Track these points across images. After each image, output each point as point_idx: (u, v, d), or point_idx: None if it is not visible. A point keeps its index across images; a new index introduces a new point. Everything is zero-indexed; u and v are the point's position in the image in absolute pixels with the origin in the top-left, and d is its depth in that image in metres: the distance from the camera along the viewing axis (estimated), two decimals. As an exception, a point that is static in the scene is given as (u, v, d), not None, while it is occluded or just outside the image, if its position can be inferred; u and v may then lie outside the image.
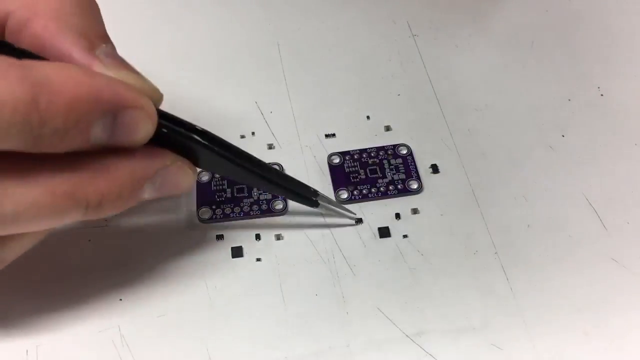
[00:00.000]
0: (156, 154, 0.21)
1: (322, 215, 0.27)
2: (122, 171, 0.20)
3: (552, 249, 0.26)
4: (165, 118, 0.21)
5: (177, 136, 0.21)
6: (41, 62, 0.17)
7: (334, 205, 0.26)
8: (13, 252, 0.21)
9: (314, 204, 0.25)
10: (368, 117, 0.30)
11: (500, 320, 0.24)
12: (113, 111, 0.18)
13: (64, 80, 0.17)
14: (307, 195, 0.25)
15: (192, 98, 0.31)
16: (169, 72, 0.32)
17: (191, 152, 0.21)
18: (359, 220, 0.27)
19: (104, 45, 0.20)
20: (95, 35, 0.20)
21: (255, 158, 0.23)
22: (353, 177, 0.28)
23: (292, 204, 0.27)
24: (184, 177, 0.22)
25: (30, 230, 0.19)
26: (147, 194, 0.21)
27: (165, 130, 0.20)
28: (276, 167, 0.28)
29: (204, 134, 0.21)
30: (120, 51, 0.34)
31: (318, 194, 0.25)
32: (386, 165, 0.28)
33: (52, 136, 0.17)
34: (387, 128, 0.30)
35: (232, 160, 0.22)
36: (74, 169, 0.19)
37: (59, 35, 0.19)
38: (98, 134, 0.18)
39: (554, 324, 0.24)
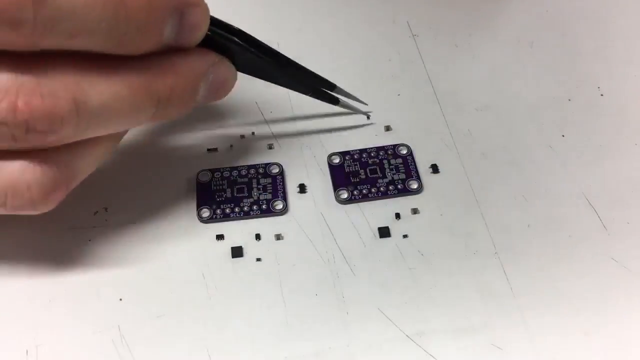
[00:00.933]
0: (207, 52, 0.23)
1: (322, 214, 0.27)
2: (184, 67, 0.22)
3: (552, 249, 0.26)
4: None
5: (219, 38, 0.23)
6: None
7: (349, 98, 0.28)
8: (88, 164, 0.22)
9: (335, 101, 0.28)
10: (368, 117, 0.30)
11: (500, 320, 0.24)
12: (181, 9, 0.20)
13: None
14: (327, 89, 0.28)
15: (192, 98, 0.31)
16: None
17: (229, 53, 0.24)
18: (368, 116, 0.30)
19: None
20: None
21: (283, 56, 0.26)
22: (353, 177, 0.28)
23: (292, 204, 0.27)
24: (229, 74, 0.24)
25: (110, 130, 0.21)
26: (201, 93, 0.23)
27: (209, 33, 0.22)
28: (276, 166, 0.28)
29: (240, 34, 0.24)
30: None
31: (335, 87, 0.28)
32: (386, 165, 0.28)
33: (134, 34, 0.19)
34: (387, 128, 0.30)
35: (267, 60, 0.25)
36: (145, 66, 0.20)
37: None
38: (168, 32, 0.20)
39: (554, 324, 0.24)
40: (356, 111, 0.29)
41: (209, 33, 0.22)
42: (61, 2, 0.17)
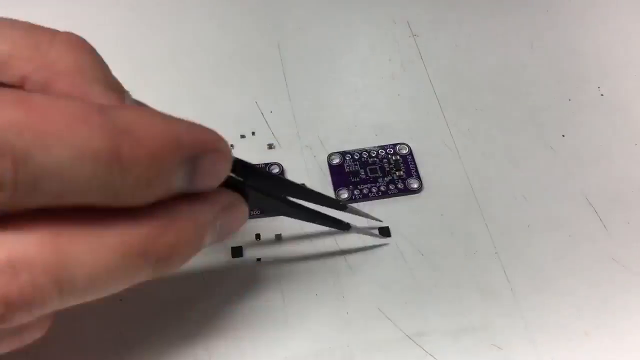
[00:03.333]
0: (216, 197, 0.19)
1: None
2: (190, 220, 0.18)
3: (552, 249, 0.26)
4: None
5: (234, 180, 0.20)
6: (120, 105, 0.16)
7: (361, 215, 0.25)
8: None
9: (346, 227, 0.25)
10: (368, 117, 0.30)
11: (500, 320, 0.24)
12: (194, 157, 0.17)
13: (146, 126, 0.16)
14: (340, 222, 0.24)
15: (192, 98, 0.31)
16: (169, 71, 0.32)
17: (243, 192, 0.20)
18: (385, 232, 0.26)
19: (128, 91, 0.19)
20: (117, 85, 0.19)
21: (291, 183, 0.23)
22: (353, 177, 0.28)
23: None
24: (241, 216, 0.20)
25: (94, 298, 0.17)
26: (209, 239, 0.19)
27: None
28: (276, 165, 0.28)
29: (256, 174, 0.21)
30: (121, 51, 0.34)
31: (347, 207, 0.24)
32: (386, 165, 0.28)
33: (134, 188, 0.16)
34: (388, 128, 0.30)
35: (284, 200, 0.22)
36: (142, 223, 0.17)
37: (90, 88, 0.18)
38: (180, 182, 0.17)
39: (554, 324, 0.24)
40: (371, 235, 0.26)
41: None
42: (44, 160, 0.14)
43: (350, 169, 0.28)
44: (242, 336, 0.24)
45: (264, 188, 0.21)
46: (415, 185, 0.28)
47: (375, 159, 0.29)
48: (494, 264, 0.25)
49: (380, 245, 0.26)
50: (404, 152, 0.29)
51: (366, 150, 0.29)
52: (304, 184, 0.24)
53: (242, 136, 0.30)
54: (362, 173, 0.28)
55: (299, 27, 0.35)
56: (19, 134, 0.14)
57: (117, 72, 0.33)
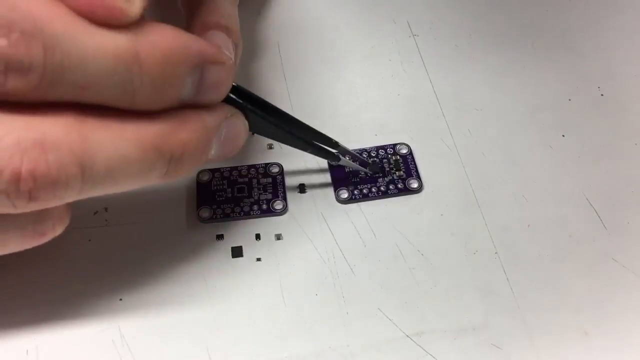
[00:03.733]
0: (219, 106, 0.21)
1: (322, 214, 0.27)
2: (198, 122, 0.20)
3: (552, 249, 0.26)
4: None
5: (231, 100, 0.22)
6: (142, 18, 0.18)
7: (351, 157, 0.27)
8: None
9: (336, 159, 0.26)
10: (368, 117, 0.30)
11: (500, 320, 0.24)
12: (201, 66, 0.19)
13: (160, 34, 0.18)
14: (330, 149, 0.26)
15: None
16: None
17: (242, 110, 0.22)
18: (376, 171, 0.28)
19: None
20: None
21: (288, 115, 0.24)
22: (353, 177, 0.28)
23: (292, 205, 0.27)
24: (242, 129, 0.22)
25: (114, 191, 0.19)
26: (214, 149, 0.21)
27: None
28: (276, 165, 0.28)
29: (251, 99, 0.22)
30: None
31: (339, 146, 0.26)
32: (386, 165, 0.28)
33: (149, 89, 0.17)
34: (387, 128, 0.30)
35: (272, 122, 0.24)
36: (157, 122, 0.19)
37: None
38: (188, 89, 0.19)
39: (554, 324, 0.24)
40: (358, 168, 0.28)
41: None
42: (71, 50, 0.16)
43: (350, 169, 0.28)
44: (242, 336, 0.24)
45: (263, 114, 0.23)
46: (415, 185, 0.28)
47: (376, 159, 0.29)
48: (494, 264, 0.25)
49: (366, 172, 0.28)
50: (404, 152, 0.29)
51: (366, 150, 0.29)
52: (301, 122, 0.25)
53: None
54: (362, 173, 0.28)
55: (299, 27, 0.35)
56: (51, 22, 0.16)
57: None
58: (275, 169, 0.28)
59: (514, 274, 0.25)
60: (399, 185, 0.28)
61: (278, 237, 0.26)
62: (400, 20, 0.35)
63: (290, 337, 0.24)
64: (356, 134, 0.30)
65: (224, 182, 0.28)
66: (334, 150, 0.26)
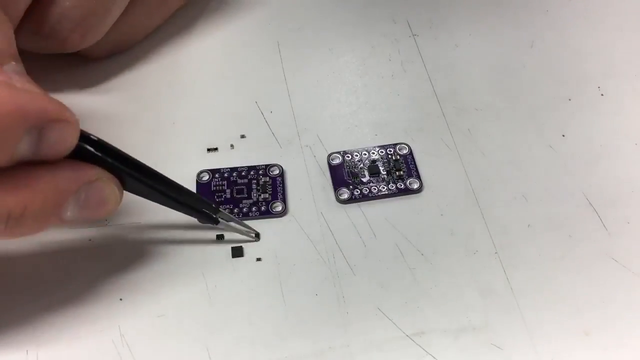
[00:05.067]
0: (81, 168, 0.20)
1: (322, 214, 0.27)
2: (45, 183, 0.19)
3: (552, 249, 0.26)
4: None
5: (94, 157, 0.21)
6: None
7: (234, 222, 0.26)
8: None
9: (214, 221, 0.25)
10: (368, 117, 0.30)
11: (500, 320, 0.24)
12: (39, 125, 0.18)
13: None
14: (208, 212, 0.25)
15: (192, 98, 0.31)
16: (169, 72, 0.32)
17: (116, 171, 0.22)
18: (257, 235, 0.26)
19: (13, 62, 0.20)
20: (5, 54, 0.20)
21: (159, 174, 0.23)
22: (353, 177, 0.28)
23: (292, 206, 0.27)
24: (109, 194, 0.21)
25: None
26: (70, 210, 0.20)
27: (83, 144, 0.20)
28: (277, 167, 0.28)
29: (97, 143, 0.21)
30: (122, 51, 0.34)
31: (219, 211, 0.25)
32: (386, 165, 0.28)
33: None
34: (388, 128, 0.30)
35: (135, 176, 0.22)
36: None
37: None
38: (23, 149, 0.18)
39: (554, 324, 0.24)
40: (239, 232, 0.26)
41: (89, 148, 0.20)
42: None
43: (351, 169, 0.28)
44: (242, 336, 0.24)
45: (141, 176, 0.22)
46: (416, 186, 0.28)
47: (376, 159, 0.29)
48: (494, 264, 0.25)
49: (250, 240, 0.26)
50: (404, 152, 0.29)
51: (366, 150, 0.29)
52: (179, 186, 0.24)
53: (242, 136, 0.30)
54: (363, 173, 0.28)
55: (299, 27, 0.35)
56: None
57: (117, 71, 0.33)
58: (276, 171, 0.28)
59: (514, 274, 0.25)
60: (399, 185, 0.28)
61: (278, 237, 0.26)
62: (400, 20, 0.35)
63: (290, 337, 0.24)
64: (356, 134, 0.30)
65: (224, 182, 0.28)
66: (213, 215, 0.25)
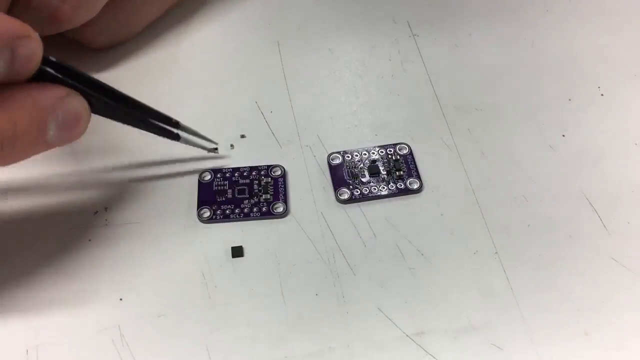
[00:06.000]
0: (51, 87, 0.21)
1: (322, 214, 0.27)
2: (26, 100, 0.20)
3: (552, 249, 0.26)
4: None
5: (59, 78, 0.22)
6: None
7: (194, 136, 0.27)
8: None
9: (176, 137, 0.26)
10: (368, 117, 0.30)
11: (500, 320, 0.24)
12: (10, 44, 0.19)
13: None
14: (169, 126, 0.26)
15: (192, 98, 0.31)
16: (169, 72, 0.32)
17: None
18: (215, 150, 0.28)
19: None
20: None
21: (120, 93, 0.24)
22: (353, 177, 0.28)
23: (293, 207, 0.27)
24: (81, 108, 0.22)
25: None
26: (52, 130, 0.21)
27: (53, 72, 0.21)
28: (279, 168, 0.28)
29: (58, 65, 0.22)
30: (120, 51, 0.34)
31: (180, 125, 0.26)
32: (386, 165, 0.28)
33: None
34: (388, 128, 0.30)
35: (106, 100, 0.23)
36: None
37: None
38: (0, 68, 0.19)
39: (554, 324, 0.24)
40: (200, 147, 0.28)
41: (52, 72, 0.21)
42: None
43: (351, 169, 0.28)
44: (242, 336, 0.24)
45: (104, 97, 0.23)
46: (415, 186, 0.28)
47: (376, 159, 0.29)
48: (494, 264, 0.25)
49: (210, 154, 0.28)
50: (404, 152, 0.29)
51: (366, 150, 0.29)
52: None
53: (242, 136, 0.30)
54: (363, 173, 0.28)
55: (299, 27, 0.35)
56: None
57: (117, 71, 0.33)
58: (277, 172, 0.28)
59: (514, 274, 0.25)
60: (399, 185, 0.28)
61: (278, 237, 0.26)
62: (400, 20, 0.35)
63: (290, 337, 0.24)
64: (356, 134, 0.30)
65: (225, 183, 0.28)
66: (174, 130, 0.26)
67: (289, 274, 0.25)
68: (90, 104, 0.23)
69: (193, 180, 0.28)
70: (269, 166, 0.28)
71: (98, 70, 0.32)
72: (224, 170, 0.28)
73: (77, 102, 0.22)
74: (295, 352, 0.23)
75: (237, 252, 0.26)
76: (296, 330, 0.24)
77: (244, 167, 0.28)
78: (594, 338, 0.23)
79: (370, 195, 0.27)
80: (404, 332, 0.24)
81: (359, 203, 0.27)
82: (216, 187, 0.28)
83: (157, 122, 0.26)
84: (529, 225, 0.27)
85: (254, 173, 0.28)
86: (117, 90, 0.24)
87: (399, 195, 0.28)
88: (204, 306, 0.24)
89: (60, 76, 0.21)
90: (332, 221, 0.27)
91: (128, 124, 0.25)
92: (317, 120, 0.30)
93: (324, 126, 0.30)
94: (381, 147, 0.29)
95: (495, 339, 0.23)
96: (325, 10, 0.36)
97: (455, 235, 0.26)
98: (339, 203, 0.27)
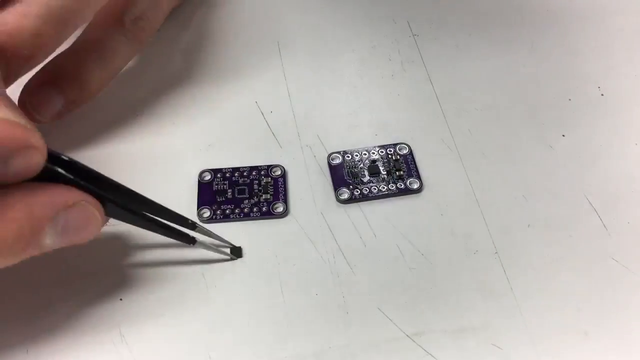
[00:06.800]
0: (58, 192, 0.19)
1: (322, 214, 0.27)
2: (18, 211, 0.18)
3: (552, 249, 0.26)
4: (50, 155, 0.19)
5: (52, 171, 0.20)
6: None
7: (212, 237, 0.25)
8: None
9: (191, 241, 0.24)
10: (368, 117, 0.30)
11: (500, 320, 0.24)
12: (5, 156, 0.17)
13: None
14: (185, 232, 0.24)
15: (192, 98, 0.31)
16: (168, 72, 0.32)
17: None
18: (234, 252, 0.25)
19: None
20: None
21: (139, 195, 0.22)
22: (354, 177, 0.28)
23: (293, 207, 0.27)
24: (89, 220, 0.20)
25: None
26: (49, 238, 0.19)
27: (51, 166, 0.19)
28: (279, 168, 0.28)
29: (70, 164, 0.20)
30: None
31: (196, 226, 0.24)
32: (386, 165, 0.28)
33: None
34: (388, 128, 0.30)
35: (110, 198, 0.21)
36: None
37: None
38: None
39: (554, 324, 0.24)
40: (218, 251, 0.25)
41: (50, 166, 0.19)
42: None
43: (351, 169, 0.28)
44: (242, 336, 0.24)
45: (118, 199, 0.21)
46: (416, 186, 0.28)
47: (376, 159, 0.29)
48: (494, 264, 0.25)
49: (227, 260, 0.25)
50: (404, 152, 0.29)
51: (366, 150, 0.29)
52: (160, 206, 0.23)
53: (242, 136, 0.30)
54: (363, 173, 0.28)
55: (299, 27, 0.35)
56: None
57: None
58: (277, 172, 0.28)
59: (514, 274, 0.25)
60: (399, 185, 0.28)
61: (278, 237, 0.26)
62: (400, 20, 0.35)
63: (290, 337, 0.24)
64: (356, 134, 0.30)
65: (225, 183, 0.28)
66: (190, 232, 0.24)
67: (289, 274, 0.25)
68: (104, 205, 0.21)
69: (193, 180, 0.28)
70: (269, 166, 0.28)
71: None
72: (224, 170, 0.28)
73: (86, 212, 0.20)
74: (295, 352, 0.23)
75: (237, 252, 0.26)
76: (296, 330, 0.24)
77: (244, 167, 0.28)
78: (594, 338, 0.23)
79: (370, 195, 0.27)
80: (404, 332, 0.24)
81: (359, 203, 0.27)
82: (216, 187, 0.28)
83: (174, 225, 0.24)
84: (529, 225, 0.27)
85: (254, 173, 0.28)
86: (139, 194, 0.22)
87: (399, 195, 0.28)
88: (204, 306, 0.24)
89: (71, 177, 0.20)
90: (332, 221, 0.27)
91: (140, 226, 0.23)
92: (317, 120, 0.30)
93: (324, 126, 0.30)
94: (381, 147, 0.29)
95: (495, 339, 0.23)
96: (326, 10, 0.36)
97: (455, 235, 0.26)
98: (339, 203, 0.27)
